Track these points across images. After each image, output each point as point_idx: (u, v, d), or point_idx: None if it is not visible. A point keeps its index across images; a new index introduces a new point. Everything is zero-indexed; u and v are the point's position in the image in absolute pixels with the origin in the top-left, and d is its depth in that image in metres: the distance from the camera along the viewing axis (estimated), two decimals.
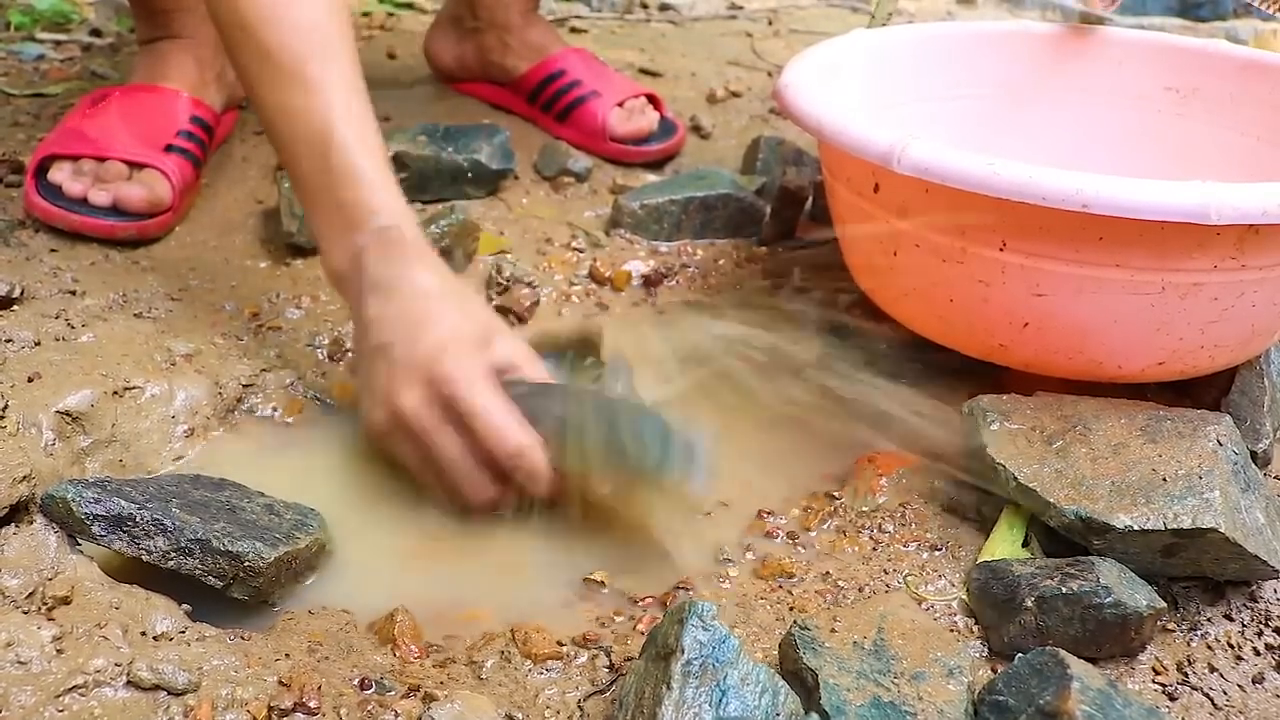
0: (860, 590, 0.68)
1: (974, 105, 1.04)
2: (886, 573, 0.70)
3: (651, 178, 1.17)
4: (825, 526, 0.75)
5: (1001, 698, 0.55)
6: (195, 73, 1.07)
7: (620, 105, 1.20)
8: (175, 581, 0.62)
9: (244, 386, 0.83)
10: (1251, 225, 0.67)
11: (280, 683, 0.57)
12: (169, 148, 1.00)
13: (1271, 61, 0.95)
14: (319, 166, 0.75)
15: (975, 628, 0.66)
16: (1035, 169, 0.67)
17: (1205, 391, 0.85)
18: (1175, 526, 0.64)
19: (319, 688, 0.57)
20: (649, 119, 1.21)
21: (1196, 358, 0.76)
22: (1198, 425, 0.70)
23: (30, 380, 0.73)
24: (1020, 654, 0.58)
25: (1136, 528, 0.64)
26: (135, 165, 0.98)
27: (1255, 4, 1.06)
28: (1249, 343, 0.78)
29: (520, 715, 0.58)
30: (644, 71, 1.56)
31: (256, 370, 0.84)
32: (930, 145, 0.71)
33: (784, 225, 1.08)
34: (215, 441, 0.79)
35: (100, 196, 0.95)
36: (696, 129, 1.32)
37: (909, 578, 0.69)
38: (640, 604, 0.68)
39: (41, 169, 0.97)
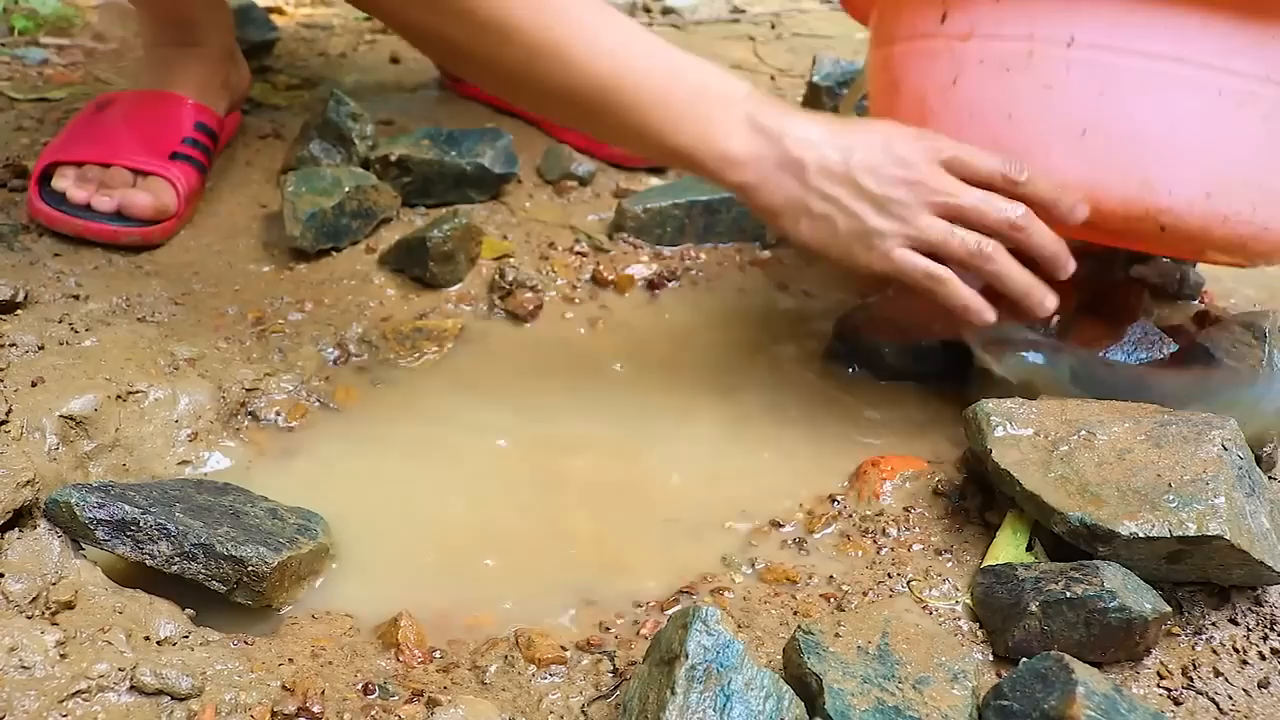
0: (864, 595, 0.68)
1: None
2: (891, 577, 0.70)
3: (655, 181, 1.17)
4: (829, 531, 0.75)
5: (1006, 703, 0.55)
6: (202, 79, 1.07)
7: None
8: (179, 586, 0.62)
9: (247, 391, 0.83)
10: None
11: (283, 687, 0.57)
12: (174, 155, 1.00)
13: None
14: (662, 84, 0.73)
15: (980, 632, 0.66)
16: None
17: None
18: (1181, 534, 0.63)
19: (322, 693, 0.57)
20: None
21: (1241, 202, 0.76)
22: (1203, 429, 0.70)
23: (34, 385, 0.74)
24: (1025, 659, 0.58)
25: (1141, 535, 0.64)
26: (140, 173, 0.98)
27: None
28: None
29: None
30: None
31: (260, 374, 0.84)
32: None
33: None
34: (218, 446, 0.79)
35: (104, 203, 0.95)
36: None
37: (913, 582, 0.69)
38: (644, 608, 0.68)
39: (45, 175, 0.97)
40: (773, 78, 1.61)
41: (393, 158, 1.06)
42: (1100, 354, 0.87)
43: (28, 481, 0.63)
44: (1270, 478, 0.80)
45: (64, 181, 0.96)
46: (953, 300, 0.75)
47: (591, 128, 0.78)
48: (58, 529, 0.63)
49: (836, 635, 0.59)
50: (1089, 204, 0.76)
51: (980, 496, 0.75)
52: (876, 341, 0.89)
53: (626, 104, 0.72)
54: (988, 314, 0.76)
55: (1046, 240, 0.75)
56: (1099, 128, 0.75)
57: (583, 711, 0.59)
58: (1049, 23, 0.75)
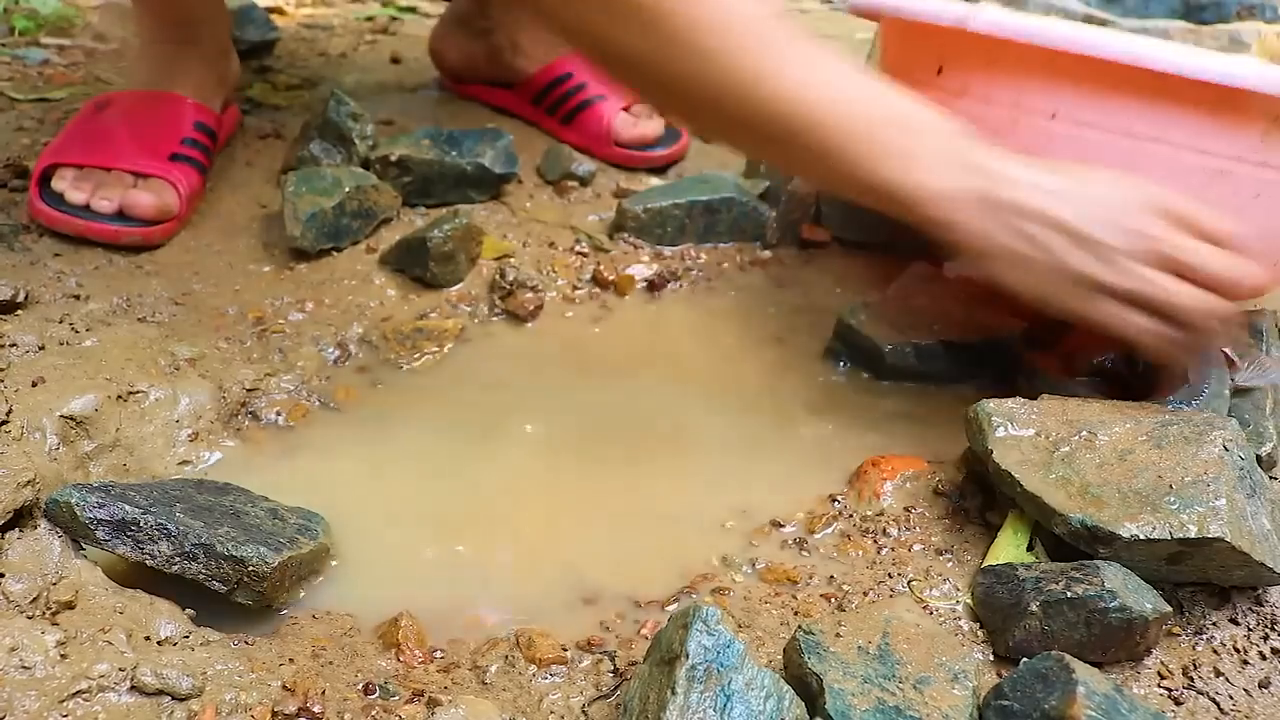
0: (865, 595, 0.68)
1: None
2: (891, 577, 0.70)
3: (655, 182, 1.17)
4: (830, 531, 0.75)
5: (1007, 703, 0.55)
6: (200, 77, 1.07)
7: (626, 109, 1.21)
8: (179, 586, 0.62)
9: (247, 391, 0.83)
10: (1277, 117, 0.73)
11: (284, 687, 0.57)
12: (174, 156, 1.00)
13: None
14: (867, 114, 0.70)
15: (980, 632, 0.66)
16: (1093, 29, 0.76)
17: None
18: (1182, 535, 0.63)
19: (323, 692, 0.57)
20: (655, 124, 1.21)
21: None
22: (1204, 430, 0.70)
23: (34, 385, 0.74)
24: (1025, 659, 0.58)
25: (1142, 537, 0.64)
26: (142, 176, 0.98)
27: None
28: (1267, 257, 0.79)
29: None
30: None
31: (260, 374, 0.84)
32: (998, 10, 0.79)
33: (790, 228, 1.08)
34: (219, 446, 0.79)
35: (104, 204, 0.95)
36: None
37: (914, 582, 0.69)
38: (644, 608, 0.68)
39: (45, 176, 0.97)
40: None
41: (393, 158, 1.06)
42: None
43: (28, 481, 0.63)
44: (1271, 478, 0.80)
45: (63, 184, 0.96)
46: (1174, 363, 0.75)
47: (778, 156, 0.74)
48: (58, 529, 0.63)
49: (837, 635, 0.59)
50: None
51: (981, 496, 0.75)
52: (877, 341, 0.89)
53: (826, 135, 0.69)
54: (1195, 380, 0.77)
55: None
56: None
57: (583, 711, 0.59)
58: (1034, 95, 0.79)
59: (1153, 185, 0.73)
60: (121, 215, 0.96)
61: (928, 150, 0.70)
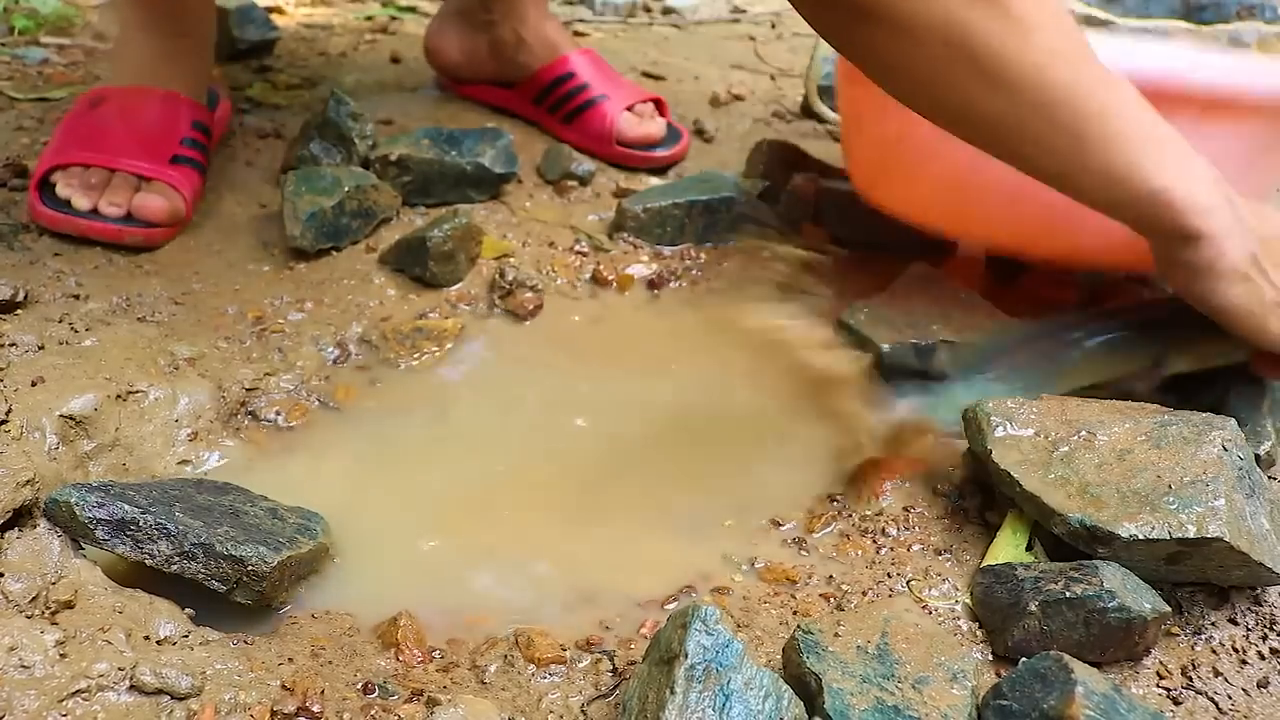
0: (864, 594, 0.68)
1: None
2: (890, 577, 0.70)
3: (655, 181, 1.18)
4: (829, 530, 0.75)
5: (1005, 702, 0.55)
6: (192, 72, 1.06)
7: (629, 109, 1.21)
8: (178, 586, 0.62)
9: (247, 390, 0.83)
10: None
11: (283, 687, 0.57)
12: (175, 158, 1.00)
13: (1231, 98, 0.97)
14: (1149, 118, 0.73)
15: (979, 632, 0.66)
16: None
17: (1204, 395, 0.85)
18: (1180, 535, 0.63)
19: (322, 692, 0.57)
20: (658, 124, 1.21)
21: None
22: (1203, 430, 0.70)
23: (34, 384, 0.74)
24: (1024, 658, 0.58)
25: (1141, 537, 0.64)
26: (144, 179, 0.98)
27: None
28: None
29: (524, 719, 0.58)
30: (647, 75, 1.56)
31: (260, 374, 0.84)
32: None
33: (790, 228, 1.08)
34: (218, 445, 0.79)
35: (112, 209, 0.95)
36: (699, 132, 1.32)
37: (913, 582, 0.69)
38: (643, 607, 0.68)
39: (46, 178, 0.97)
40: (773, 77, 1.61)
41: (393, 157, 1.06)
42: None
43: (27, 481, 0.63)
44: (1270, 478, 0.80)
45: (68, 188, 0.95)
46: None
47: (1062, 158, 0.75)
48: (57, 528, 0.63)
49: (836, 635, 0.59)
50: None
51: (980, 496, 0.75)
52: (877, 341, 0.89)
53: (1120, 128, 0.72)
54: None
55: None
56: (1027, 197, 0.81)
57: (582, 711, 0.60)
58: None
59: None
60: (128, 216, 0.95)
61: (1195, 165, 0.73)
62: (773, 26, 1.95)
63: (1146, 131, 0.73)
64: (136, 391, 0.77)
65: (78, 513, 0.61)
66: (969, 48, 0.69)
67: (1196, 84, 0.81)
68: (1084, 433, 0.71)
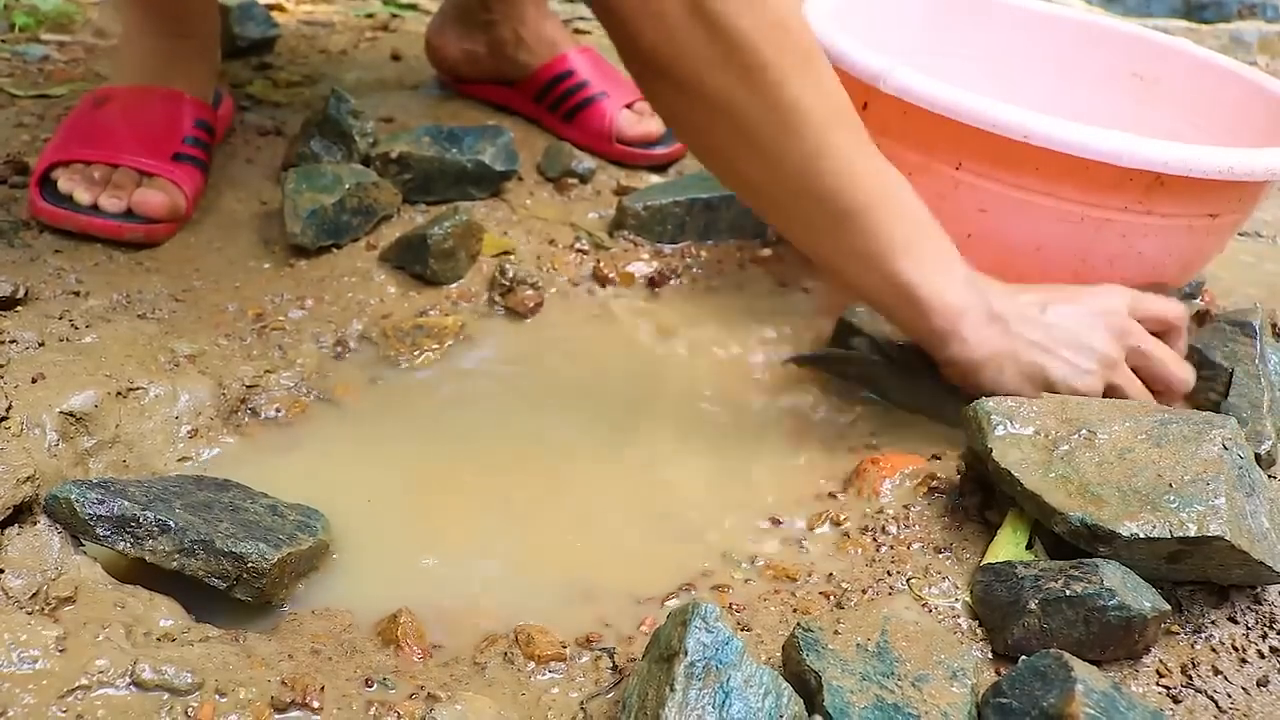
0: (864, 592, 0.68)
1: (956, 65, 1.14)
2: (890, 575, 0.70)
3: (655, 179, 1.17)
4: (828, 528, 0.75)
5: (1005, 700, 0.55)
6: (196, 72, 1.06)
7: (629, 107, 1.20)
8: (178, 582, 0.62)
9: (247, 387, 0.83)
10: (1158, 176, 0.81)
11: (283, 683, 0.57)
12: (178, 156, 1.00)
13: (1226, 64, 1.06)
14: (912, 217, 0.76)
15: (979, 630, 0.66)
16: (992, 102, 0.83)
17: (1203, 394, 0.85)
18: (1181, 534, 0.63)
19: (322, 688, 0.57)
20: (658, 122, 1.21)
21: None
22: (1203, 429, 0.70)
23: (34, 381, 0.74)
24: (1024, 656, 0.58)
25: (1142, 536, 0.64)
26: (146, 175, 0.98)
27: None
28: (1149, 278, 0.89)
29: (523, 717, 0.58)
30: None
31: (260, 371, 0.84)
32: (912, 73, 0.86)
33: None
34: (218, 442, 0.79)
35: (113, 204, 0.95)
36: None
37: (912, 580, 0.69)
38: (643, 605, 0.68)
39: (47, 174, 0.97)
40: None
41: (393, 155, 1.06)
42: None
43: (28, 478, 0.63)
44: (1270, 476, 0.80)
45: (70, 183, 0.96)
46: None
47: (821, 239, 0.78)
48: (58, 525, 0.63)
49: (836, 632, 0.59)
50: None
51: (980, 494, 0.75)
52: (877, 340, 0.89)
53: (880, 223, 0.74)
54: None
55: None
56: (980, 235, 0.88)
57: (582, 708, 0.60)
58: (941, 147, 0.87)
59: (1113, 294, 0.82)
60: (128, 213, 0.95)
61: (952, 264, 0.77)
62: None
63: (908, 230, 0.75)
64: (137, 388, 0.77)
65: (78, 509, 0.61)
66: (743, 129, 0.71)
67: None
68: (1084, 431, 0.71)
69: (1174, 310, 0.85)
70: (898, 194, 0.75)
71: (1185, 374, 0.83)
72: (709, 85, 0.70)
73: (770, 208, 0.78)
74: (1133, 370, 0.82)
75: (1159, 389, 0.82)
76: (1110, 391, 0.80)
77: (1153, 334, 0.83)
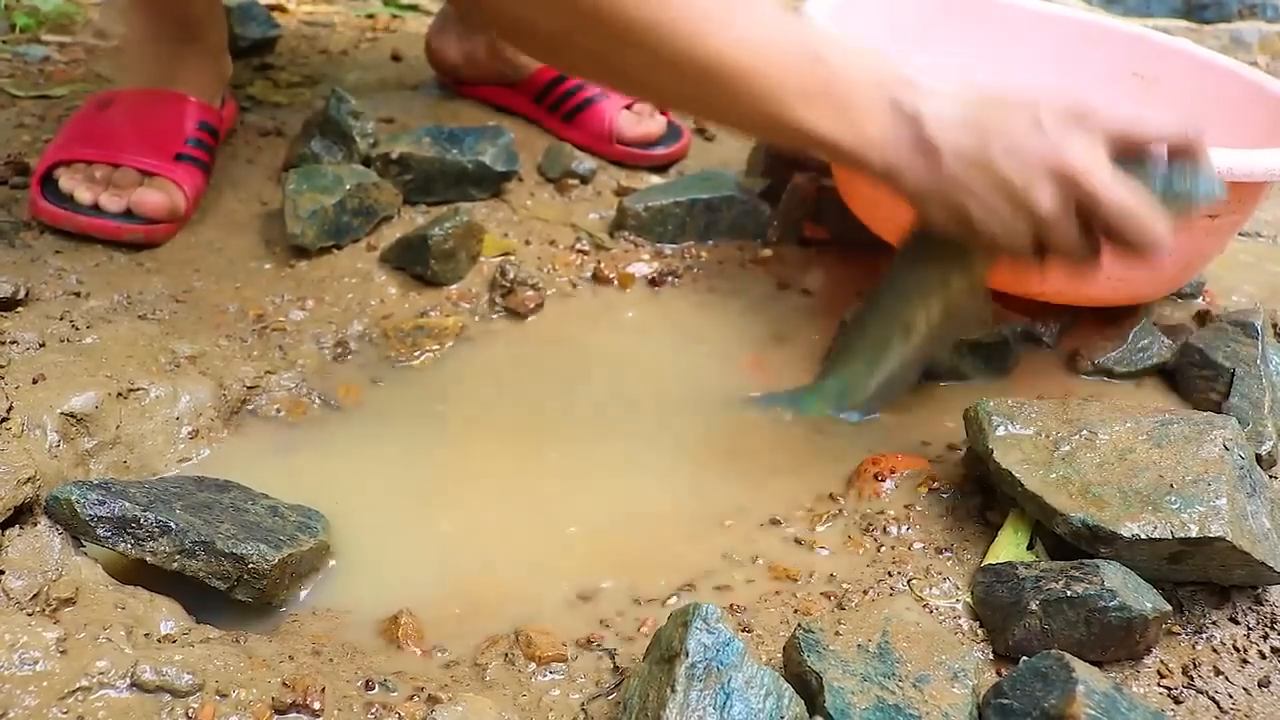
0: (865, 593, 0.68)
1: (956, 65, 1.12)
2: (891, 575, 0.70)
3: (656, 180, 1.17)
4: (829, 529, 0.75)
5: (1006, 701, 0.55)
6: (201, 75, 1.07)
7: (628, 108, 1.20)
8: (179, 583, 0.62)
9: (248, 388, 0.83)
10: None
11: (284, 684, 0.57)
12: (180, 156, 1.00)
13: (1226, 64, 1.06)
14: (800, 64, 0.69)
15: (980, 631, 0.66)
16: None
17: (1204, 394, 0.85)
18: (1182, 535, 0.63)
19: (323, 689, 0.57)
20: (658, 122, 1.21)
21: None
22: (1204, 429, 0.70)
23: (35, 382, 0.74)
24: (1025, 657, 0.58)
25: (1143, 536, 0.64)
26: (147, 174, 0.98)
27: None
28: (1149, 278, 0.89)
29: (524, 718, 0.58)
30: None
31: (260, 372, 0.84)
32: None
33: (791, 227, 1.08)
34: (219, 443, 0.79)
35: (113, 203, 0.95)
36: (700, 131, 1.32)
37: (914, 580, 0.69)
38: (644, 605, 0.68)
39: (48, 174, 0.97)
40: None
41: (394, 155, 1.06)
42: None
43: (29, 479, 0.63)
44: (1271, 477, 0.80)
45: (71, 182, 0.96)
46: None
47: (711, 113, 0.74)
48: (58, 526, 0.63)
49: (837, 633, 0.59)
50: None
51: (980, 495, 0.75)
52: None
53: (762, 92, 0.68)
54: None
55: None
56: None
57: (583, 709, 0.60)
58: None
59: (1095, 110, 0.70)
60: (128, 213, 0.95)
61: (867, 100, 0.70)
62: None
63: (803, 79, 0.68)
64: (137, 389, 0.77)
65: (79, 510, 0.61)
66: (590, 52, 0.67)
67: None
68: (1085, 432, 0.71)
69: (1157, 128, 0.70)
70: (782, 43, 0.69)
71: (1147, 228, 0.67)
72: (542, 29, 0.67)
73: (648, 97, 0.73)
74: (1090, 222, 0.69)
75: (1121, 249, 0.70)
76: (1048, 249, 0.71)
77: (1134, 161, 0.69)
